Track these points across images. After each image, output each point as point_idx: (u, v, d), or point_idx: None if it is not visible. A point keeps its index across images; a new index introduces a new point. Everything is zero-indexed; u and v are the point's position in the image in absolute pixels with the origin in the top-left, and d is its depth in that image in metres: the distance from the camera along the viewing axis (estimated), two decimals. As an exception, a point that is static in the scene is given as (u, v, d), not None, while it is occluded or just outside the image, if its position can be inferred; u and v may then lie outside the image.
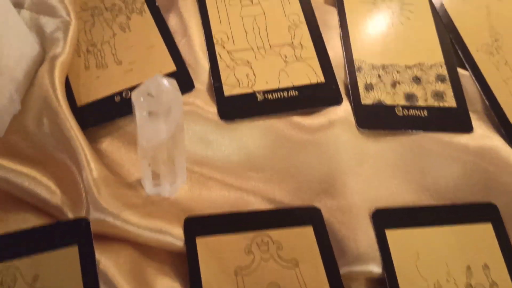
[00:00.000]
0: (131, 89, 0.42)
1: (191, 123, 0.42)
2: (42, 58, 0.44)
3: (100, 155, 0.40)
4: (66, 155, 0.39)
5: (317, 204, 0.40)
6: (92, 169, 0.38)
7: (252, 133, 0.42)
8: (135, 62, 0.44)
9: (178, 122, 0.33)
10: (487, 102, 0.45)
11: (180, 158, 0.37)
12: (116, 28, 0.46)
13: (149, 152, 0.35)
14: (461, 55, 0.48)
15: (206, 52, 0.45)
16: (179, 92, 0.32)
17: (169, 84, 0.31)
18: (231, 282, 0.35)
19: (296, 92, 0.43)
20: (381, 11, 0.49)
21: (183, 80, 0.43)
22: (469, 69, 0.47)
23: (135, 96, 0.31)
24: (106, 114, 0.41)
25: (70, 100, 0.41)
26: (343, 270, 0.37)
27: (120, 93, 0.42)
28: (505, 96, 0.46)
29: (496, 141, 0.43)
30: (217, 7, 0.48)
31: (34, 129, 0.40)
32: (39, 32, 0.45)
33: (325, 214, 0.39)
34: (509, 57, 0.47)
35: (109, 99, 0.42)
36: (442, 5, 0.50)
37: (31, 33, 0.43)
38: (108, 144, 0.42)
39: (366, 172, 0.42)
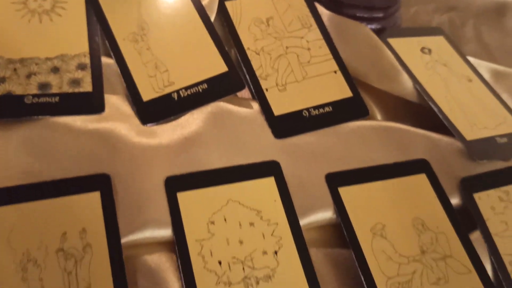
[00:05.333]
0: None
1: None
2: None
3: None
4: None
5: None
6: None
7: None
8: None
9: None
10: (125, 84, 0.50)
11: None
12: None
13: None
14: (108, 44, 0.52)
15: None
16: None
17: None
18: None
19: None
20: (34, 10, 0.52)
21: None
22: (114, 57, 0.51)
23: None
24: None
25: None
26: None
27: None
28: (142, 77, 0.50)
29: (122, 120, 0.48)
30: None
31: None
32: None
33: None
34: (152, 43, 0.52)
35: None
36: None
37: None
38: None
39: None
